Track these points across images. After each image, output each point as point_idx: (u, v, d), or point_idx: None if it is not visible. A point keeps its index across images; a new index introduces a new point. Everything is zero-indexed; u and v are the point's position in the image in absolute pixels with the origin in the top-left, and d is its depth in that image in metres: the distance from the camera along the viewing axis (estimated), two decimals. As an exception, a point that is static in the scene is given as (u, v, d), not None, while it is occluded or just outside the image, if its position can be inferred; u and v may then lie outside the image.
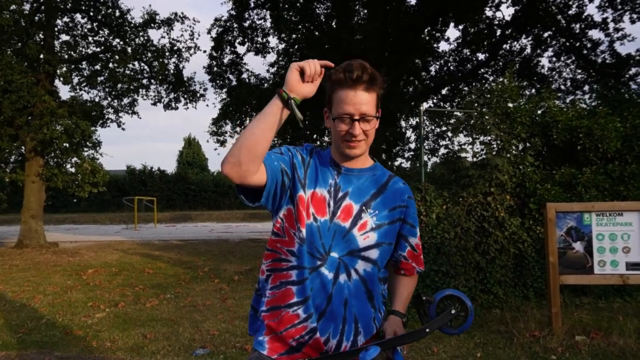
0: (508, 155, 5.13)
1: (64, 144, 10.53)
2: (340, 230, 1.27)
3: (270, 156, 1.26)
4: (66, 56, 12.39)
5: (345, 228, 1.27)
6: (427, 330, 1.21)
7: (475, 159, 5.33)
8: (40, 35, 11.35)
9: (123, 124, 13.66)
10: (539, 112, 5.65)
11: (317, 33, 11.26)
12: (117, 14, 12.35)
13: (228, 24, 12.60)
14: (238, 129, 13.03)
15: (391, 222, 1.34)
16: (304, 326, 1.23)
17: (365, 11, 12.07)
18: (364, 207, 1.30)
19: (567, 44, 12.72)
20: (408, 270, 1.44)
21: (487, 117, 5.17)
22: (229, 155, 1.15)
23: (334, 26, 11.23)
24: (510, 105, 5.42)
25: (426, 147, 11.01)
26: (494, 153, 5.10)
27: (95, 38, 12.68)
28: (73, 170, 11.29)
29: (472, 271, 4.77)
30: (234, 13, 12.14)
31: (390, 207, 1.34)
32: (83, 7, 12.07)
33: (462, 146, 5.62)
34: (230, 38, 12.88)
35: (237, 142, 1.16)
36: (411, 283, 1.47)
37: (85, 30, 12.55)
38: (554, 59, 13.09)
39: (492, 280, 4.74)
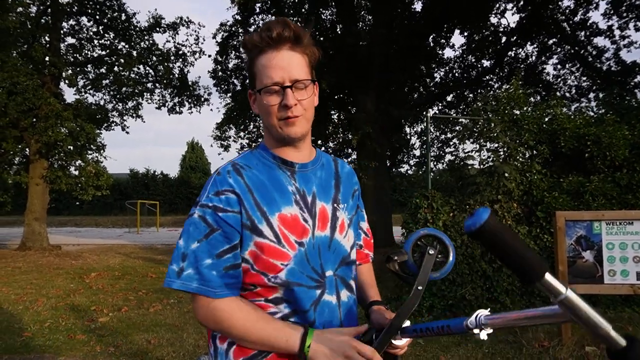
0: (515, 163, 5.11)
1: (69, 147, 10.54)
2: (323, 242, 1.06)
3: (218, 276, 0.97)
4: (72, 59, 12.43)
5: (328, 237, 1.07)
6: (420, 287, 0.98)
7: (482, 166, 5.30)
8: (46, 37, 11.40)
9: (127, 127, 13.69)
10: (546, 119, 5.63)
11: (322, 38, 11.26)
12: (123, 17, 12.41)
13: (233, 29, 12.61)
14: (242, 133, 13.01)
15: (355, 212, 1.19)
16: None
17: (370, 17, 12.09)
18: (335, 205, 1.11)
19: (572, 51, 12.70)
20: (363, 259, 1.27)
21: (493, 124, 5.15)
22: (211, 321, 0.98)
23: (339, 32, 11.24)
24: (517, 112, 5.40)
25: (431, 154, 10.99)
26: (500, 160, 5.07)
27: (100, 41, 12.74)
28: (77, 173, 11.30)
29: (478, 279, 4.73)
30: (239, 18, 12.17)
31: (351, 194, 1.18)
32: (89, 11, 12.12)
33: (469, 153, 5.59)
34: (235, 43, 12.89)
35: (225, 326, 0.98)
36: (371, 270, 1.31)
37: (91, 33, 12.60)
38: (559, 66, 13.08)
39: (499, 289, 4.70)
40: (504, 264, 0.64)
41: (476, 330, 0.81)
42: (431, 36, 12.02)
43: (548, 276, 0.62)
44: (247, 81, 0.91)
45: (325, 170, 1.15)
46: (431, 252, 1.00)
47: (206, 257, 0.98)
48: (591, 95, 12.60)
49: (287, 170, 1.07)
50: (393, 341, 1.00)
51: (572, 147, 5.28)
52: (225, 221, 0.98)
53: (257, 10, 12.10)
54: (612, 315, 4.51)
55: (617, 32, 12.08)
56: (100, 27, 12.51)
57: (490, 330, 0.81)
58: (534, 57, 13.03)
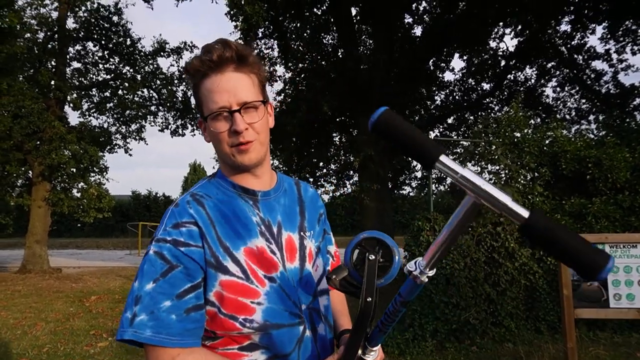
0: (517, 185, 5.11)
1: (72, 169, 10.60)
2: (294, 274, 0.98)
3: (179, 321, 0.86)
4: (77, 83, 12.63)
5: (297, 269, 0.99)
6: (369, 299, 0.85)
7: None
8: (53, 62, 11.61)
9: (130, 149, 13.78)
10: (547, 142, 5.66)
11: (323, 63, 11.43)
12: (128, 42, 12.65)
13: (236, 53, 12.84)
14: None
15: (322, 238, 1.12)
16: None
17: (371, 42, 12.29)
18: (302, 233, 1.04)
19: (571, 74, 12.85)
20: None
21: (494, 147, 5.17)
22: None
23: (340, 56, 11.41)
24: (518, 135, 5.43)
25: (433, 176, 11.00)
26: (502, 183, 5.08)
27: (105, 65, 12.97)
28: (79, 195, 11.33)
29: (482, 303, 4.67)
30: (242, 42, 12.38)
31: (316, 219, 1.11)
32: (95, 36, 12.37)
33: (470, 175, 5.60)
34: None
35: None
36: (342, 296, 1.22)
37: (97, 57, 12.83)
38: (558, 89, 13.21)
39: (504, 313, 4.64)
40: (403, 151, 0.66)
41: (417, 273, 0.80)
42: (431, 60, 12.19)
43: (443, 157, 0.64)
44: (195, 107, 0.96)
45: (288, 197, 1.07)
46: (371, 257, 0.86)
47: (164, 298, 0.85)
48: (591, 117, 12.69)
49: (249, 200, 0.99)
50: (365, 357, 0.91)
51: (573, 169, 5.29)
52: (188, 256, 0.88)
53: (260, 35, 12.33)
54: (620, 340, 4.44)
55: (614, 56, 12.25)
56: (106, 52, 12.75)
57: (431, 272, 0.80)
58: (533, 80, 13.18)
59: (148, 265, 0.88)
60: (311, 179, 12.13)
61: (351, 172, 11.98)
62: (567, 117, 13.03)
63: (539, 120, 12.15)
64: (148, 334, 0.83)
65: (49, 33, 11.69)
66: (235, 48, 0.93)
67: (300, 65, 11.66)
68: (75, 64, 12.71)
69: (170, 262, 0.87)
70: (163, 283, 0.86)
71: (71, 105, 11.68)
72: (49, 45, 11.63)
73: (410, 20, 12.39)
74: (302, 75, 11.43)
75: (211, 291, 0.89)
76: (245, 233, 0.94)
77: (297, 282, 0.98)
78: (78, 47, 12.57)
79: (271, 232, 0.98)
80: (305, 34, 11.98)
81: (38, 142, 10.40)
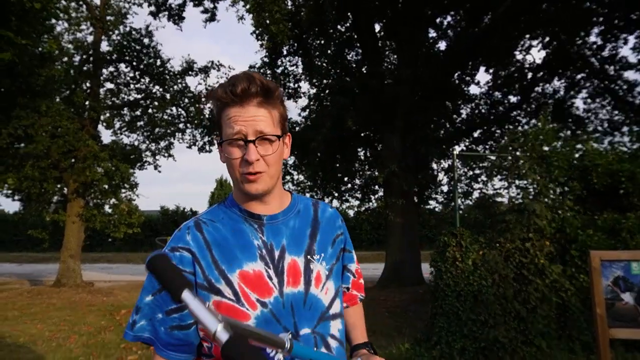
0: (546, 200, 5.00)
1: (104, 186, 10.96)
2: (297, 299, 0.98)
3: (163, 333, 0.96)
4: (109, 103, 13.12)
5: (302, 293, 0.99)
6: None
7: (511, 203, 5.21)
8: (87, 84, 12.11)
9: (159, 166, 14.14)
10: (577, 155, 5.53)
11: (347, 79, 11.54)
12: (158, 63, 13.09)
13: (261, 71, 13.10)
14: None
15: (337, 259, 1.12)
16: None
17: (395, 57, 12.35)
18: (308, 257, 1.04)
19: (602, 85, 12.53)
20: (351, 302, 1.21)
21: (522, 161, 5.09)
22: None
23: (364, 72, 11.51)
24: (546, 148, 5.34)
25: (459, 190, 10.85)
26: (530, 197, 4.98)
27: (136, 85, 13.42)
28: (110, 211, 11.68)
29: (512, 321, 4.56)
30: (267, 60, 12.65)
31: (332, 240, 1.11)
32: (127, 58, 12.86)
33: (498, 190, 5.52)
34: (263, 83, 13.34)
35: None
36: (359, 311, 1.25)
37: (128, 78, 13.32)
38: (588, 100, 12.88)
39: (535, 332, 4.51)
40: (160, 285, 0.78)
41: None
42: (456, 74, 12.14)
43: (186, 293, 0.74)
44: (216, 130, 1.01)
45: (300, 219, 1.08)
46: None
47: (158, 310, 0.96)
48: (625, 129, 12.30)
49: (254, 223, 1.02)
50: None
51: (605, 183, 5.15)
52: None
53: (285, 52, 12.57)
54: (659, 362, 4.24)
55: (647, 66, 11.89)
56: (137, 73, 13.22)
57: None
58: (562, 92, 12.91)
59: (148, 280, 0.98)
60: (336, 194, 12.15)
61: (376, 187, 11.95)
62: (600, 128, 12.67)
63: (569, 132, 11.85)
64: (146, 336, 0.98)
65: (84, 56, 12.24)
66: (260, 84, 0.97)
67: (325, 81, 11.81)
68: (108, 85, 13.25)
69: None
70: (158, 298, 0.96)
71: (104, 124, 12.15)
72: (84, 68, 12.17)
73: (434, 34, 12.41)
74: (327, 92, 11.57)
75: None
76: (242, 256, 0.97)
77: (299, 306, 0.99)
78: (111, 68, 13.10)
79: (272, 257, 0.99)
80: (329, 51, 12.14)
81: (73, 160, 10.82)
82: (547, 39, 11.94)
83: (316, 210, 1.13)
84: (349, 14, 10.79)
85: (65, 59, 10.96)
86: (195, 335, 0.98)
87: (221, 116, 1.00)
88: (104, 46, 12.54)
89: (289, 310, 0.97)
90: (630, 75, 17.89)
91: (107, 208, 11.77)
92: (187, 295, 0.74)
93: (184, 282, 0.75)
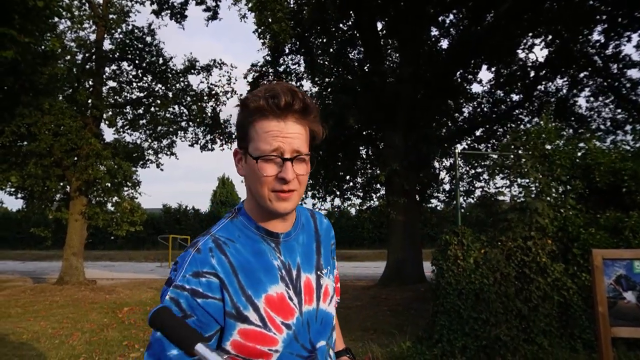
0: (548, 199, 4.99)
1: (107, 184, 10.99)
2: (311, 316, 0.99)
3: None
4: (112, 101, 13.15)
5: (314, 310, 1.00)
6: None
7: (513, 202, 5.21)
8: (90, 82, 12.13)
9: (162, 164, 14.17)
10: (579, 154, 5.52)
11: (349, 77, 11.54)
12: (161, 61, 13.11)
13: (264, 69, 13.11)
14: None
15: (333, 269, 1.14)
16: None
17: (397, 55, 12.34)
18: (318, 272, 1.04)
19: (605, 83, 12.49)
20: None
21: (524, 160, 5.09)
22: None
23: (366, 70, 11.50)
24: (549, 147, 5.33)
25: (461, 189, 10.84)
26: (532, 196, 4.97)
27: (139, 84, 13.44)
28: (113, 209, 11.72)
29: (514, 319, 4.56)
30: (269, 59, 12.65)
31: (330, 253, 1.12)
32: (130, 56, 12.88)
33: (500, 189, 5.51)
34: (265, 82, 13.34)
35: None
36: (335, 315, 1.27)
37: (131, 76, 13.33)
38: (591, 98, 12.85)
39: (536, 330, 4.51)
40: (169, 339, 0.79)
41: None
42: (458, 72, 12.11)
43: (199, 346, 0.74)
44: (238, 137, 0.95)
45: (306, 233, 1.07)
46: None
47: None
48: (627, 127, 12.26)
49: (271, 242, 0.98)
50: None
51: (608, 182, 5.14)
52: (203, 308, 0.88)
53: (287, 51, 12.57)
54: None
55: (651, 64, 11.85)
56: (139, 71, 13.24)
57: None
58: (564, 91, 12.88)
59: (158, 344, 0.87)
60: (338, 192, 12.16)
61: (378, 185, 11.95)
62: (602, 127, 12.63)
63: (571, 131, 11.83)
64: None
65: (87, 54, 12.26)
66: (302, 100, 0.93)
67: (327, 79, 11.80)
68: (111, 83, 13.27)
69: (185, 311, 0.87)
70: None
71: (107, 122, 12.17)
72: (87, 66, 12.19)
73: (436, 33, 12.39)
74: (329, 90, 11.56)
75: (228, 340, 0.91)
76: (266, 279, 0.94)
77: (313, 322, 0.99)
78: (114, 67, 13.13)
79: (290, 277, 0.98)
80: (331, 49, 12.13)
81: (76, 159, 10.86)
82: (550, 37, 11.92)
83: (315, 222, 1.13)
84: (351, 12, 10.78)
85: (68, 57, 10.98)
86: None
87: (253, 126, 0.93)
88: (107, 44, 12.58)
89: (305, 327, 0.98)
90: (633, 73, 17.85)
91: (109, 206, 11.80)
92: (201, 348, 0.72)
93: (195, 335, 0.74)
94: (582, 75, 12.67)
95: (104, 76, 12.60)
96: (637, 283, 3.55)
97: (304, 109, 0.93)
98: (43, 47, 8.76)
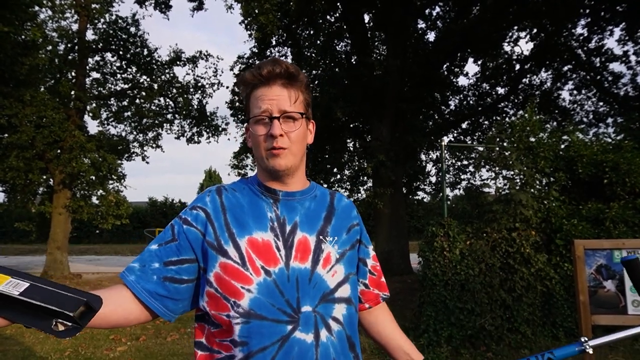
0: (532, 190, 5.08)
1: (91, 177, 10.84)
2: (302, 274, 0.99)
3: (153, 281, 0.98)
4: (96, 92, 12.93)
5: (308, 270, 1.00)
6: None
7: (498, 194, 5.28)
8: (73, 73, 11.90)
9: (147, 157, 14.02)
10: (563, 146, 5.61)
11: (337, 69, 11.51)
12: (145, 52, 12.91)
13: (250, 61, 13.00)
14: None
15: (351, 247, 1.11)
16: None
17: (384, 47, 12.33)
18: (321, 237, 1.05)
19: (588, 77, 12.68)
20: (372, 301, 1.18)
21: (508, 152, 5.15)
22: None
23: (354, 62, 11.48)
24: (533, 139, 5.40)
25: (447, 181, 10.94)
26: (517, 188, 5.05)
27: (123, 75, 13.24)
28: (98, 202, 11.57)
29: (498, 309, 4.65)
30: (256, 50, 12.55)
31: (346, 228, 1.12)
32: (113, 47, 12.66)
33: (485, 181, 5.59)
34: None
35: None
36: (386, 312, 1.22)
37: (115, 68, 13.12)
38: (575, 92, 13.04)
39: (520, 319, 4.60)
40: None
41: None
42: (445, 65, 12.17)
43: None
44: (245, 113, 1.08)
45: (316, 202, 1.10)
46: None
47: (156, 260, 1.00)
48: (609, 120, 12.49)
49: (269, 198, 1.05)
50: None
51: (590, 173, 5.24)
52: (185, 234, 1.01)
53: (274, 42, 12.48)
54: (640, 347, 4.36)
55: (632, 58, 12.05)
56: (124, 62, 13.03)
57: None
58: (549, 84, 13.04)
59: (162, 232, 1.05)
60: (325, 185, 12.18)
61: (365, 177, 12.00)
62: (585, 120, 12.85)
63: (555, 124, 12.01)
64: (131, 279, 0.98)
65: (69, 45, 12.01)
66: (285, 67, 1.03)
67: (314, 72, 11.76)
68: (95, 74, 13.04)
69: (174, 234, 1.02)
70: (162, 249, 1.01)
71: (90, 114, 11.97)
72: (69, 57, 11.95)
73: (423, 25, 12.41)
74: (316, 82, 11.52)
75: (211, 272, 0.98)
76: (254, 224, 1.01)
77: (304, 283, 0.99)
78: (97, 57, 12.89)
79: (283, 230, 1.02)
80: (318, 41, 12.08)
81: (59, 151, 10.68)
82: (535, 30, 12.03)
83: (332, 198, 1.16)
84: (338, 4, 10.73)
85: (50, 47, 10.74)
86: (186, 293, 1.01)
87: (249, 98, 1.06)
88: (89, 35, 12.34)
89: (293, 284, 0.98)
90: (615, 67, 18.12)
91: (94, 199, 11.66)
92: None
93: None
94: (565, 68, 12.84)
95: (87, 67, 12.37)
96: (616, 272, 3.64)
97: (288, 75, 1.03)
98: (23, 36, 8.56)
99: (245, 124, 1.11)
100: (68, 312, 0.75)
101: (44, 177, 11.18)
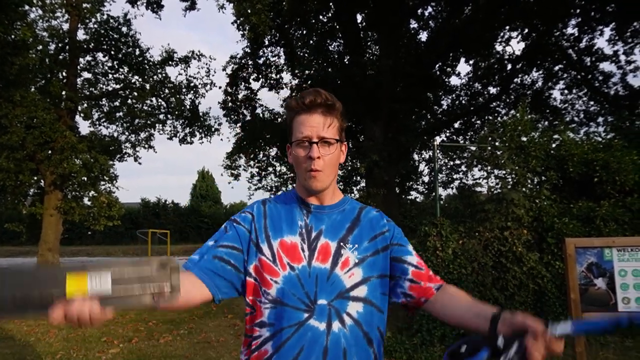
0: (524, 189, 5.11)
1: (83, 178, 10.75)
2: (322, 273, 1.16)
3: (205, 260, 1.18)
4: (87, 93, 12.83)
5: (327, 269, 1.17)
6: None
7: (490, 193, 5.31)
8: (64, 73, 11.80)
9: (140, 158, 13.94)
10: (554, 145, 5.65)
11: (330, 69, 11.51)
12: (137, 52, 12.83)
13: (243, 61, 12.97)
14: (252, 162, 13.18)
15: (374, 253, 1.23)
16: None
17: (377, 47, 12.35)
18: (341, 243, 1.21)
19: (579, 76, 12.79)
20: (427, 293, 1.25)
21: (500, 152, 5.18)
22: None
23: (346, 62, 11.49)
24: (524, 139, 5.44)
25: (440, 181, 10.98)
26: (509, 187, 5.08)
27: (115, 75, 13.15)
28: (90, 203, 11.48)
29: (490, 308, 4.67)
30: (249, 51, 12.53)
31: (370, 237, 1.25)
32: (105, 47, 12.57)
33: (477, 180, 5.61)
34: (244, 74, 13.23)
35: None
36: (451, 295, 1.24)
37: (106, 68, 13.03)
38: (565, 91, 13.14)
39: (512, 317, 4.62)
40: None
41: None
42: (437, 65, 12.21)
43: None
44: (288, 135, 1.28)
45: (343, 215, 1.27)
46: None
47: (211, 240, 1.23)
48: (600, 119, 12.61)
49: (304, 209, 1.26)
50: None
51: (580, 172, 5.28)
52: (235, 229, 1.23)
53: (266, 42, 12.46)
54: (631, 344, 4.41)
55: (622, 58, 12.18)
56: (115, 62, 12.94)
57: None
58: (540, 83, 13.14)
59: (217, 232, 1.26)
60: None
61: (358, 177, 12.01)
62: (576, 119, 12.96)
63: (546, 123, 12.10)
64: (190, 265, 1.18)
65: (60, 44, 11.91)
66: (325, 97, 1.20)
67: (307, 72, 11.75)
68: (86, 75, 12.94)
69: (227, 230, 1.24)
70: (217, 238, 1.23)
71: (82, 115, 11.89)
72: (60, 57, 11.85)
73: (415, 25, 12.45)
74: (309, 82, 11.51)
75: (251, 264, 1.19)
76: (286, 229, 1.22)
77: (323, 280, 1.16)
78: (88, 57, 12.80)
79: (309, 235, 1.21)
80: (311, 41, 12.07)
81: (50, 152, 10.58)
82: (526, 30, 12.11)
83: (360, 212, 1.31)
84: (330, 4, 10.73)
85: (40, 47, 10.64)
86: (232, 276, 1.19)
87: (292, 122, 1.23)
88: (81, 34, 12.25)
89: (313, 280, 1.16)
90: (605, 66, 18.29)
91: (86, 200, 11.56)
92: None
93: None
94: (556, 68, 12.94)
95: (78, 67, 12.28)
96: (607, 270, 3.67)
97: (327, 105, 1.20)
98: (13, 36, 8.47)
99: (288, 144, 1.27)
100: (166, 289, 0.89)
101: (35, 178, 11.07)
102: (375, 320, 1.18)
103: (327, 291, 1.14)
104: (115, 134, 13.59)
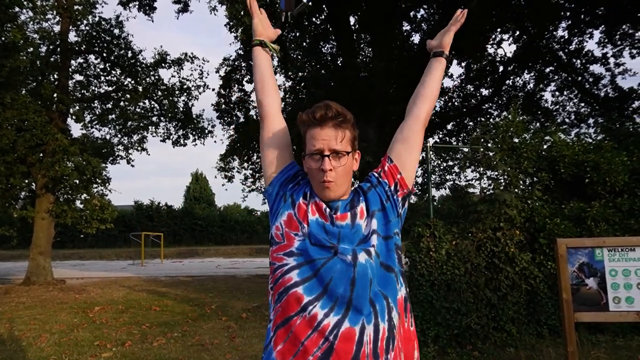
0: (516, 190, 5.15)
1: (75, 181, 10.67)
2: (344, 228, 1.25)
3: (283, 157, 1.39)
4: (79, 95, 12.75)
5: (349, 224, 1.26)
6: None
7: (483, 194, 5.34)
8: (55, 75, 11.72)
9: (132, 160, 13.86)
10: (545, 146, 5.70)
11: (323, 71, 11.53)
12: (130, 54, 12.77)
13: (236, 63, 12.96)
14: (245, 164, 13.17)
15: (381, 206, 1.33)
16: (326, 324, 1.14)
17: (370, 49, 12.39)
18: (353, 208, 1.32)
19: (569, 78, 12.93)
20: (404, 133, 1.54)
21: (492, 153, 5.22)
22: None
23: (340, 64, 11.52)
24: (516, 140, 5.48)
25: (433, 182, 11.02)
26: (501, 188, 5.12)
27: (107, 78, 13.07)
28: (82, 206, 11.39)
29: (484, 308, 4.70)
30: (242, 53, 12.51)
31: (378, 200, 1.33)
32: (97, 49, 12.50)
33: (470, 181, 5.65)
34: (238, 76, 13.23)
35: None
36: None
37: (98, 70, 12.96)
38: (556, 93, 13.28)
39: (505, 318, 4.66)
40: None
41: None
42: (430, 67, 12.26)
43: None
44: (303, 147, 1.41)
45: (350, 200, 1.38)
46: None
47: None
48: (590, 121, 12.73)
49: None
50: None
51: (571, 173, 5.33)
52: (286, 170, 1.41)
53: (260, 44, 12.43)
54: (621, 344, 4.45)
55: (612, 60, 12.32)
56: (108, 64, 12.87)
57: None
58: (531, 85, 13.25)
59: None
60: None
61: (352, 179, 12.02)
62: (567, 120, 13.09)
63: (538, 124, 12.20)
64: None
65: (51, 47, 11.83)
66: (335, 111, 1.26)
67: (300, 74, 11.77)
68: (78, 77, 12.86)
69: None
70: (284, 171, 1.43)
71: (74, 117, 11.81)
72: (52, 59, 11.76)
73: (408, 27, 12.51)
74: (302, 84, 11.53)
75: (283, 217, 1.29)
76: (314, 198, 1.32)
77: (341, 232, 1.24)
78: (80, 60, 12.71)
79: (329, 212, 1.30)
80: (304, 43, 12.10)
81: (41, 155, 10.50)
82: (517, 33, 12.21)
83: (359, 191, 1.37)
84: (324, 6, 10.76)
85: (31, 49, 10.54)
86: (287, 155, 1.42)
87: (305, 135, 1.30)
88: (72, 36, 12.17)
89: (336, 231, 1.24)
90: (595, 68, 18.46)
91: (78, 203, 11.47)
92: None
93: None
94: (547, 70, 13.06)
95: (70, 69, 12.19)
96: (598, 270, 3.71)
97: (338, 118, 1.26)
98: (3, 38, 8.40)
99: (303, 154, 1.34)
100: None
101: (26, 181, 10.97)
102: (392, 250, 1.27)
103: (349, 239, 1.23)
104: (108, 137, 13.53)
